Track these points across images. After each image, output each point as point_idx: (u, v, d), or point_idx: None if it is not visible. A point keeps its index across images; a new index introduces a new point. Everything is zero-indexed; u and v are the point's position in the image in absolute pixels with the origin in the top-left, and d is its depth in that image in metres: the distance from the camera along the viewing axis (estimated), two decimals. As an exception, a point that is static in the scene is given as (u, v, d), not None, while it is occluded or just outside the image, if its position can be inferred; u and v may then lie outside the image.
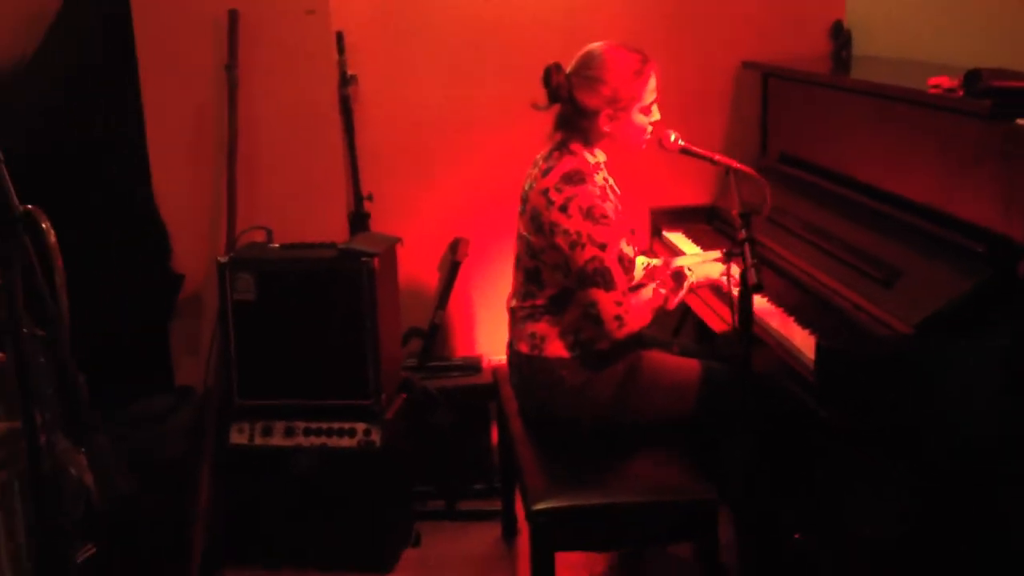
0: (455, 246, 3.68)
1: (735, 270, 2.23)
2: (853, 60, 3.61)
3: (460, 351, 3.79)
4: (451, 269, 3.68)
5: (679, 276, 2.74)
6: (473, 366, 3.65)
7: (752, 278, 2.08)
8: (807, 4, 3.67)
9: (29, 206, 1.38)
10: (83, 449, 1.47)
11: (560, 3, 3.58)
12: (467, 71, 3.60)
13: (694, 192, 3.66)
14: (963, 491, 2.10)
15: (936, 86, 2.40)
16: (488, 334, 3.72)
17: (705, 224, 3.51)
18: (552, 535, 2.39)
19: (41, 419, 1.44)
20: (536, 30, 3.54)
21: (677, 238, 3.39)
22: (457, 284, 3.68)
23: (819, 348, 2.16)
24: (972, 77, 2.26)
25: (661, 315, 2.78)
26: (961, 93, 2.29)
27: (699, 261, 2.86)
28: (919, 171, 2.51)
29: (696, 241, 3.32)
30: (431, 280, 3.73)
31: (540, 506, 2.39)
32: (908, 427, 2.09)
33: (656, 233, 3.53)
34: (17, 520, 1.43)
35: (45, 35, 3.33)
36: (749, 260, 2.12)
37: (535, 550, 2.41)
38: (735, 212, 2.31)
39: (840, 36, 3.68)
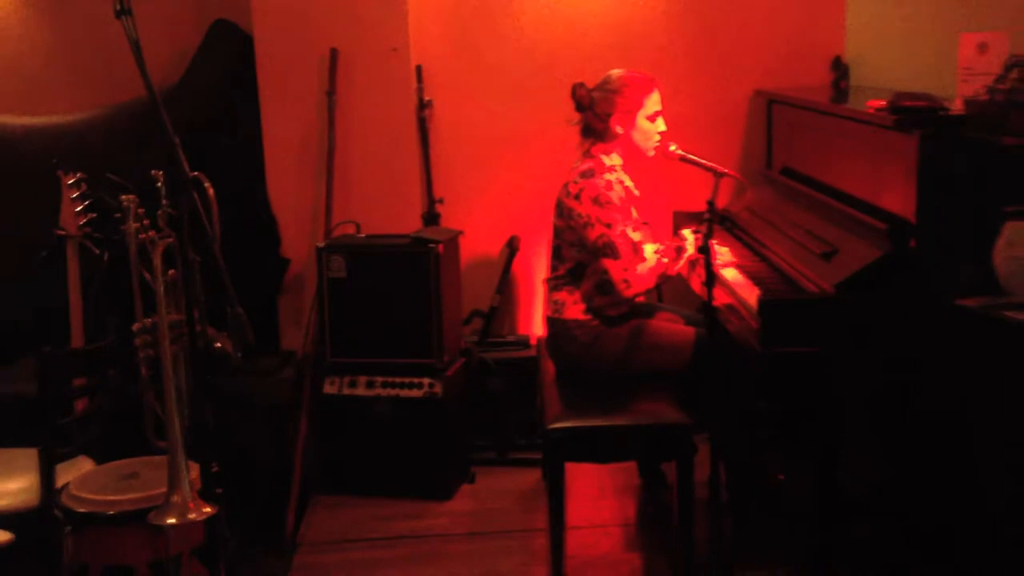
0: (511, 242, 4.42)
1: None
2: (851, 89, 4.27)
3: (515, 330, 4.53)
4: (507, 261, 4.42)
5: (680, 249, 3.43)
6: (523, 343, 4.38)
7: (699, 241, 2.81)
8: (811, 41, 4.35)
9: (195, 172, 2.16)
10: (225, 330, 2.24)
11: (600, 41, 4.32)
12: (522, 96, 4.36)
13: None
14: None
15: (871, 107, 3.07)
16: (538, 316, 4.45)
17: (717, 225, 4.17)
18: (562, 448, 3.11)
19: (197, 314, 2.22)
20: (579, 63, 4.25)
21: (691, 235, 4.07)
22: (511, 274, 4.43)
23: (760, 300, 2.84)
24: (893, 99, 2.92)
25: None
26: (885, 112, 2.95)
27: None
28: (861, 173, 3.17)
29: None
30: (491, 271, 4.46)
31: (554, 425, 3.12)
32: (823, 359, 2.76)
33: (676, 232, 4.21)
34: (181, 378, 2.21)
35: (189, 64, 4.22)
36: (706, 230, 2.85)
37: (548, 459, 3.15)
38: (706, 200, 3.02)
39: (839, 68, 4.34)
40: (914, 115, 2.77)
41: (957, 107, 2.82)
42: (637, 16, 4.34)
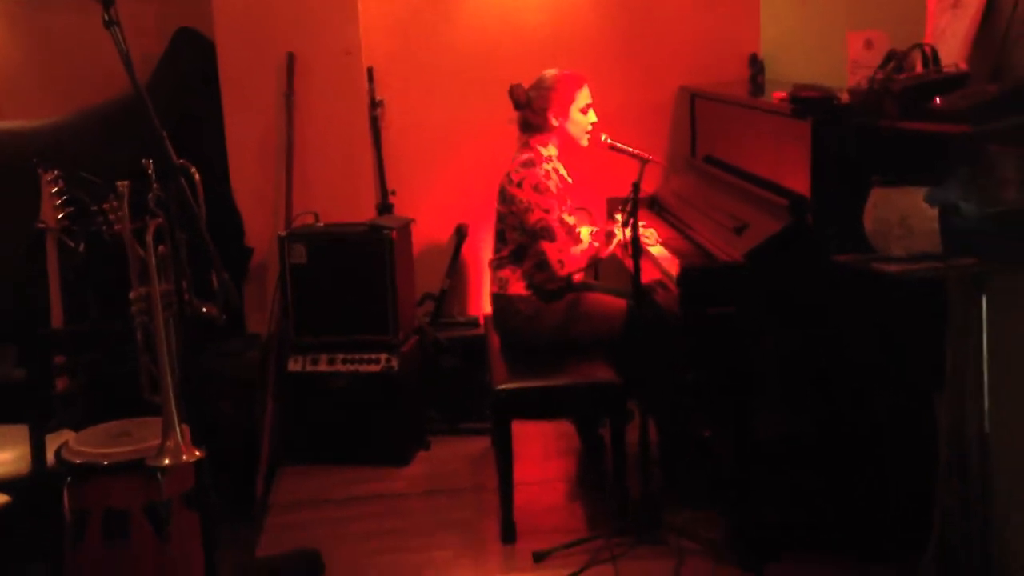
0: (459, 229, 4.77)
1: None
2: (766, 84, 4.67)
3: (465, 311, 4.88)
4: (456, 247, 4.77)
5: (610, 235, 3.81)
6: (473, 323, 4.73)
7: (626, 220, 3.18)
8: (730, 40, 4.75)
9: (182, 160, 2.48)
10: (212, 300, 2.55)
11: (537, 44, 4.69)
12: (466, 95, 4.71)
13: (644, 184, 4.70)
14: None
15: (775, 99, 3.46)
16: (486, 297, 4.79)
17: (647, 209, 4.56)
18: (508, 406, 3.47)
19: (185, 284, 2.54)
20: (517, 64, 4.60)
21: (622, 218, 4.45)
22: (460, 259, 4.78)
23: (681, 267, 3.22)
24: (792, 91, 3.31)
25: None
26: (785, 102, 3.34)
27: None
28: (769, 157, 3.56)
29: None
30: (441, 257, 4.80)
31: (501, 387, 3.49)
32: (731, 316, 3.14)
33: (610, 216, 4.59)
34: (171, 340, 2.53)
35: (154, 70, 4.52)
36: (630, 209, 3.22)
37: (496, 417, 3.51)
38: (632, 183, 3.40)
39: (756, 64, 4.74)
40: (808, 104, 3.16)
41: (846, 97, 3.21)
42: (569, 21, 4.72)
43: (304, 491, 4.04)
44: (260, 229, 4.54)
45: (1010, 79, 2.61)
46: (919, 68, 2.88)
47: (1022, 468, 2.66)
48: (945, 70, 2.76)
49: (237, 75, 4.47)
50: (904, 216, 2.43)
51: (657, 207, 4.54)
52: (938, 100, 2.65)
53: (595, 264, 3.87)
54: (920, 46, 2.88)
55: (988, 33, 2.78)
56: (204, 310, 2.53)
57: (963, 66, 2.76)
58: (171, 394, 2.47)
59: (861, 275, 2.77)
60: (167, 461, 2.44)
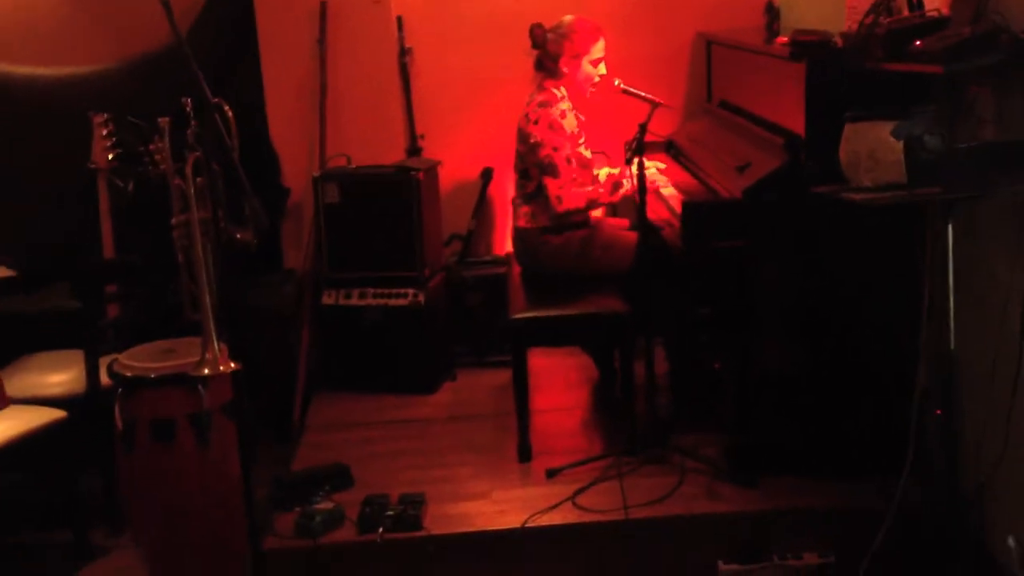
0: (485, 173, 5.00)
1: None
2: (781, 31, 4.81)
3: (491, 251, 5.12)
4: (482, 190, 5.00)
5: (617, 185, 4.02)
6: (498, 261, 4.96)
7: (629, 158, 3.40)
8: (746, -13, 4.90)
9: (217, 99, 2.73)
10: (244, 224, 2.80)
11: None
12: (492, 42, 4.89)
13: (662, 128, 4.89)
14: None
15: (778, 43, 3.63)
16: (510, 238, 5.01)
17: (664, 153, 4.76)
18: (524, 334, 3.73)
19: (222, 212, 2.80)
20: (542, 10, 4.78)
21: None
22: (486, 201, 5.01)
23: (684, 204, 3.44)
24: (792, 35, 3.49)
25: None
26: (785, 46, 3.52)
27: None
28: (774, 100, 3.74)
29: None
30: (468, 199, 5.03)
31: (517, 316, 3.74)
32: (732, 251, 3.36)
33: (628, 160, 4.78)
34: (210, 262, 2.80)
35: (194, 21, 4.77)
36: (635, 147, 3.44)
37: (514, 345, 3.76)
38: (639, 124, 3.61)
39: (771, 12, 4.88)
40: (804, 47, 3.35)
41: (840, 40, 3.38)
42: (595, -31, 4.89)
43: (336, 415, 4.34)
44: (296, 170, 4.80)
45: (985, 22, 2.76)
46: (905, 12, 3.06)
47: (986, 387, 2.86)
48: (928, 14, 2.93)
49: (273, 24, 4.71)
50: (872, 149, 2.62)
51: (673, 151, 4.73)
52: (918, 42, 2.82)
53: (593, 208, 4.08)
54: (907, -9, 3.05)
55: (970, -22, 2.93)
56: (238, 236, 2.79)
57: (944, 10, 2.93)
58: (209, 311, 2.75)
59: (847, 210, 2.96)
60: (207, 371, 2.72)
